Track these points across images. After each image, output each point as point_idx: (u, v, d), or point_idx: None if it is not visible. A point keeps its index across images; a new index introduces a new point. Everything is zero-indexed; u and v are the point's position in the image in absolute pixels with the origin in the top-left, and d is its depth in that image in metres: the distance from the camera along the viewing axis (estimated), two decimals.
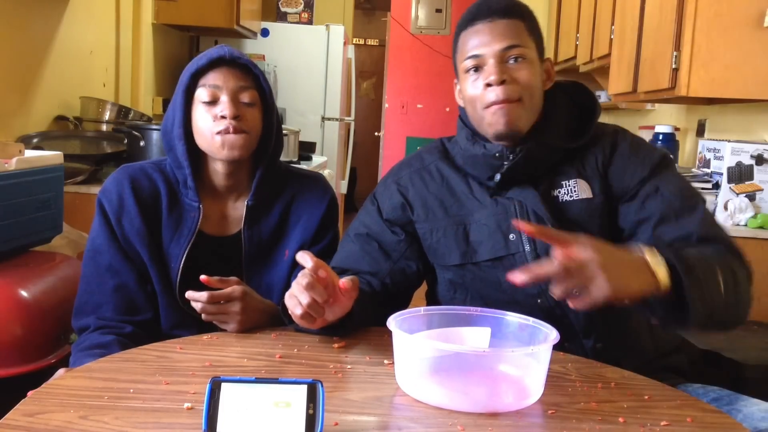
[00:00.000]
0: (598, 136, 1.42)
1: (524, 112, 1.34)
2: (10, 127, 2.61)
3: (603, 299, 1.05)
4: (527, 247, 1.36)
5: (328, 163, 4.56)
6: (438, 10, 7.44)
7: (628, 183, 1.36)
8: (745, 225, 2.40)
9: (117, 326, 1.42)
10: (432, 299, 1.53)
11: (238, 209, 1.52)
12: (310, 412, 0.89)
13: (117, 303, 1.44)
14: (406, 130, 7.68)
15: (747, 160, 2.42)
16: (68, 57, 2.98)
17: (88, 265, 1.47)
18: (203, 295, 1.30)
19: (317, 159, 4.19)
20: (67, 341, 1.74)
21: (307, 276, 1.15)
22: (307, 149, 4.10)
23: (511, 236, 1.37)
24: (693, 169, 2.64)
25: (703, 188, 2.48)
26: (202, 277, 1.31)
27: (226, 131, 1.42)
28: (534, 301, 1.36)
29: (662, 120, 3.65)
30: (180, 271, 1.45)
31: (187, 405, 0.99)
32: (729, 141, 2.48)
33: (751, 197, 2.42)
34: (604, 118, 1.60)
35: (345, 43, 4.90)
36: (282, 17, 5.27)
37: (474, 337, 1.17)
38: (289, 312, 1.21)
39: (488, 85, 1.33)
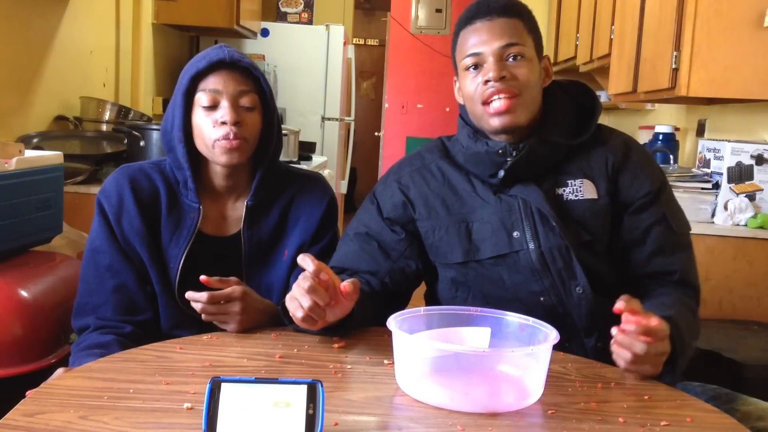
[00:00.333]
0: (606, 139, 1.44)
1: (522, 107, 1.35)
2: (10, 127, 2.61)
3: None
4: (531, 245, 1.36)
5: (328, 163, 4.56)
6: (438, 10, 7.44)
7: (635, 194, 1.40)
8: (745, 225, 2.40)
9: (117, 326, 1.42)
10: (431, 300, 1.53)
11: (237, 209, 1.52)
12: (310, 412, 0.89)
13: (117, 303, 1.44)
14: (406, 130, 7.68)
15: (747, 160, 2.42)
16: (68, 57, 2.98)
17: (87, 265, 1.47)
18: (203, 295, 1.30)
19: (317, 159, 4.19)
20: (67, 341, 1.74)
21: (309, 279, 1.16)
22: (307, 149, 4.10)
23: (515, 234, 1.37)
24: (693, 169, 2.64)
25: (703, 188, 2.48)
26: (202, 277, 1.31)
27: (226, 137, 1.41)
28: (537, 299, 1.36)
29: (662, 120, 3.65)
30: (179, 271, 1.45)
31: (187, 405, 0.99)
32: (729, 141, 2.48)
33: (751, 197, 2.42)
34: (603, 118, 1.61)
35: (345, 43, 4.90)
36: (282, 17, 5.27)
37: (474, 337, 1.17)
38: (290, 314, 1.21)
39: (487, 81, 1.34)
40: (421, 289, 1.57)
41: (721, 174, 2.45)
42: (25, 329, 1.68)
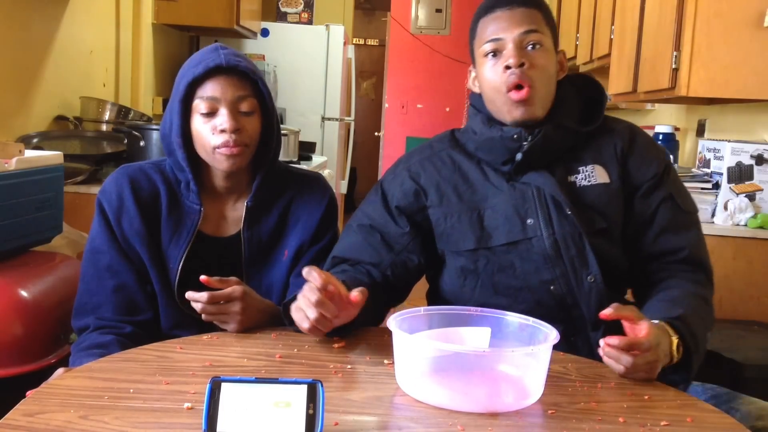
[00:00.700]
0: (613, 127, 1.46)
1: (540, 100, 1.38)
2: (10, 127, 2.61)
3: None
4: (545, 232, 1.37)
5: (328, 163, 4.56)
6: (438, 10, 7.44)
7: (644, 176, 1.42)
8: (745, 225, 2.40)
9: (117, 326, 1.42)
10: (435, 294, 1.53)
11: (237, 210, 1.52)
12: (310, 412, 0.89)
13: (117, 303, 1.44)
14: (406, 130, 7.68)
15: (747, 160, 2.42)
16: (68, 57, 2.98)
17: (87, 265, 1.47)
18: (203, 295, 1.30)
19: (317, 159, 4.19)
20: (67, 341, 1.74)
21: (316, 293, 1.16)
22: (307, 149, 4.10)
23: (529, 221, 1.38)
24: (693, 169, 2.64)
25: (703, 188, 2.48)
26: (202, 277, 1.31)
27: (225, 145, 1.40)
28: (547, 288, 1.37)
29: (662, 120, 3.65)
30: (179, 271, 1.45)
31: (187, 405, 0.99)
32: (729, 141, 2.48)
33: (751, 197, 2.42)
34: None
35: (345, 43, 4.90)
36: (282, 17, 5.27)
37: (474, 337, 1.17)
38: (296, 323, 1.22)
39: (507, 67, 1.35)
40: (423, 288, 1.57)
41: (721, 174, 2.45)
42: (25, 329, 1.68)
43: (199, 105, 1.41)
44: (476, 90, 1.47)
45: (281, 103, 4.68)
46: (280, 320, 1.35)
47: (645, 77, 2.76)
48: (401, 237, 1.45)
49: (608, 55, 3.37)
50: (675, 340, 1.20)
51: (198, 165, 1.48)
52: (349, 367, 1.18)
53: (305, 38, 4.79)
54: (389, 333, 1.10)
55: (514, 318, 1.20)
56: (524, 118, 1.37)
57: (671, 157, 3.03)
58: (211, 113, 1.41)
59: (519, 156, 1.39)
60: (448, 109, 7.53)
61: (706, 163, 2.59)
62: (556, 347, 1.10)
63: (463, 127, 1.53)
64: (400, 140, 7.68)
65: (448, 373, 1.09)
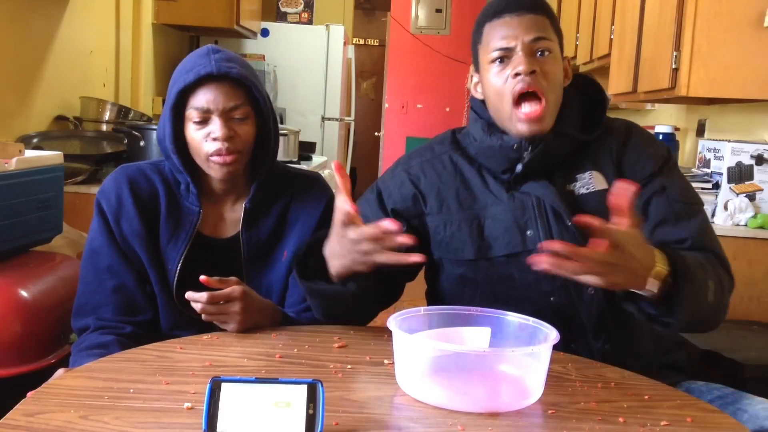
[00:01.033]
0: (609, 129, 1.43)
1: (550, 114, 1.34)
2: (10, 127, 2.61)
3: (613, 286, 1.13)
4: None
5: (328, 163, 4.55)
6: (438, 10, 7.44)
7: (639, 175, 1.37)
8: (745, 225, 2.40)
9: (117, 326, 1.42)
10: (434, 297, 1.52)
11: (236, 211, 1.52)
12: (310, 412, 0.89)
13: (116, 304, 1.44)
14: (406, 130, 7.68)
15: (747, 160, 2.42)
16: (68, 57, 2.98)
17: (86, 266, 1.47)
18: (203, 295, 1.30)
19: (317, 159, 4.19)
20: (67, 341, 1.74)
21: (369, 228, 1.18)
22: (307, 149, 4.10)
23: (529, 232, 1.37)
24: (693, 169, 2.64)
25: (703, 188, 2.48)
26: (202, 277, 1.31)
27: (218, 153, 1.40)
28: (547, 299, 1.35)
29: (662, 120, 3.65)
30: (177, 273, 1.45)
31: (187, 405, 0.98)
32: (729, 141, 2.48)
33: (751, 197, 2.42)
34: None
35: (345, 43, 4.91)
36: (282, 17, 5.28)
37: (474, 337, 1.17)
38: (360, 261, 1.22)
39: (517, 74, 1.32)
40: (423, 287, 1.57)
41: (721, 174, 2.45)
42: (25, 329, 1.68)
43: (192, 114, 1.40)
44: (478, 95, 1.43)
45: (281, 103, 4.68)
46: (279, 320, 1.35)
47: (645, 77, 2.76)
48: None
49: (608, 55, 3.36)
50: (659, 255, 1.14)
51: (195, 167, 1.48)
52: (349, 367, 1.18)
53: (305, 38, 4.79)
54: (389, 333, 1.10)
55: (514, 318, 1.20)
56: (533, 133, 1.34)
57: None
58: (203, 121, 1.40)
59: (519, 167, 1.37)
60: (448, 109, 7.53)
61: (706, 163, 2.59)
62: (555, 349, 1.10)
63: (464, 129, 1.51)
64: (400, 140, 7.68)
65: (448, 373, 1.09)
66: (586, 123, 1.42)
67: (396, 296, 1.48)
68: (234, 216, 1.52)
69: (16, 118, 2.65)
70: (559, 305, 1.35)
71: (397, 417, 1.02)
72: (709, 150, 2.59)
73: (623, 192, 1.09)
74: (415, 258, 1.18)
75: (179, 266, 1.45)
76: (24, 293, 1.71)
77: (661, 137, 3.13)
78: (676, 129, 3.30)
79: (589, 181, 1.38)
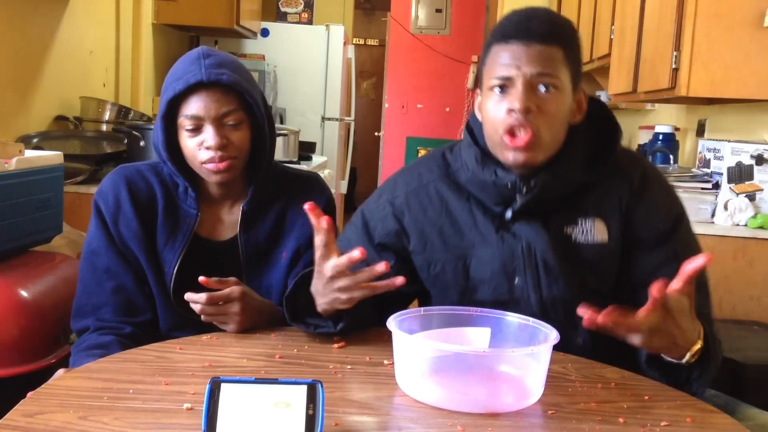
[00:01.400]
0: (622, 170, 1.34)
1: (542, 147, 1.25)
2: (10, 127, 2.61)
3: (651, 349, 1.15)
4: (533, 296, 1.31)
5: (328, 163, 4.56)
6: (438, 10, 7.43)
7: (649, 233, 1.32)
8: (745, 225, 2.40)
9: (117, 327, 1.42)
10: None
11: (234, 214, 1.51)
12: (310, 412, 0.89)
13: (116, 304, 1.43)
14: (406, 130, 7.68)
15: (747, 160, 2.41)
16: (68, 57, 2.98)
17: (85, 267, 1.46)
18: (202, 296, 1.30)
19: (317, 159, 4.19)
20: (67, 341, 1.74)
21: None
22: (307, 149, 4.10)
23: (516, 280, 1.32)
24: (693, 169, 2.64)
25: (703, 188, 2.48)
26: (201, 278, 1.30)
27: (212, 161, 1.39)
28: None
29: (662, 120, 3.65)
30: (174, 275, 1.44)
31: (186, 405, 0.98)
32: (729, 141, 2.48)
33: (751, 197, 2.42)
34: None
35: (345, 43, 4.91)
36: (282, 17, 5.28)
37: (474, 337, 1.17)
38: (328, 304, 1.24)
39: (511, 110, 1.23)
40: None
41: (721, 174, 2.44)
42: (25, 329, 1.68)
43: (184, 122, 1.40)
44: (479, 116, 1.34)
45: (281, 103, 4.68)
46: (279, 320, 1.35)
47: (645, 77, 2.76)
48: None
49: (608, 55, 3.36)
50: (700, 330, 1.14)
51: (192, 171, 1.47)
52: (349, 367, 1.18)
53: (305, 38, 4.79)
54: (389, 333, 1.10)
55: (514, 318, 1.20)
56: (520, 163, 1.25)
57: (671, 157, 3.04)
58: (196, 129, 1.39)
59: (509, 214, 1.31)
60: (448, 109, 7.53)
61: (706, 163, 2.59)
62: (555, 348, 1.10)
63: (455, 147, 1.42)
64: (400, 140, 7.67)
65: (448, 373, 1.09)
66: (592, 159, 1.33)
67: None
68: (232, 218, 1.51)
69: (16, 118, 2.65)
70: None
71: (397, 417, 1.02)
72: (709, 150, 2.59)
73: (694, 264, 1.06)
74: (398, 281, 1.18)
75: (176, 268, 1.44)
76: (24, 293, 1.71)
77: (661, 137, 3.14)
78: (676, 129, 3.30)
79: (590, 230, 1.31)
